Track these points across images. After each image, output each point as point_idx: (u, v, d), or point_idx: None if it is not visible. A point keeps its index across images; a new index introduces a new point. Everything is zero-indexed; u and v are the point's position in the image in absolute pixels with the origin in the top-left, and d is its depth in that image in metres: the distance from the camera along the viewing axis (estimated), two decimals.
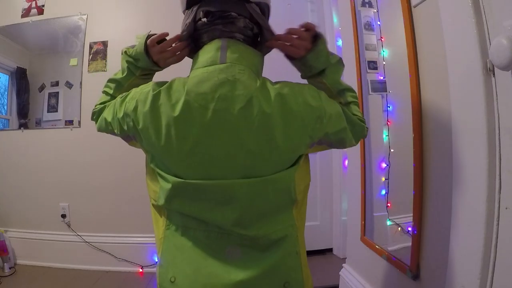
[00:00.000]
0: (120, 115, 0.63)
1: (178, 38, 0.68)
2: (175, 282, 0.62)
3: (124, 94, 0.67)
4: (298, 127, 0.58)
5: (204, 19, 0.64)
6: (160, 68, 0.72)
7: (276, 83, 0.61)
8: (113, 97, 0.73)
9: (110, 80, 0.75)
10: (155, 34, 0.69)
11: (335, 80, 0.70)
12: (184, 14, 0.70)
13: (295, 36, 0.66)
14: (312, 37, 0.66)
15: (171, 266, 0.64)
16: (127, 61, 0.71)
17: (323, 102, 0.61)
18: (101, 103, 0.75)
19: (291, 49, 0.65)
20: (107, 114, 0.70)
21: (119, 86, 0.73)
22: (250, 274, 0.59)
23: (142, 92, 0.61)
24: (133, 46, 0.71)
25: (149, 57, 0.68)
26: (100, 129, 0.75)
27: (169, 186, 0.60)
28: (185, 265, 0.62)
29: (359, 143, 0.86)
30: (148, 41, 0.68)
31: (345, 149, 0.78)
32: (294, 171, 0.61)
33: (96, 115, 0.75)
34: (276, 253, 0.61)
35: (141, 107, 0.59)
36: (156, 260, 0.70)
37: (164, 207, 0.63)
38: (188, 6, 0.67)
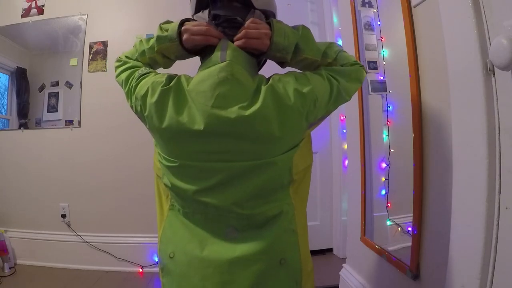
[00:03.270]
0: (133, 98, 0.67)
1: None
2: (174, 257, 0.65)
3: (143, 72, 0.68)
4: (294, 118, 0.60)
5: (212, 22, 0.68)
6: (180, 51, 0.69)
7: (268, 79, 0.63)
8: (136, 59, 0.74)
9: (141, 43, 0.74)
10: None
11: (313, 48, 0.69)
12: (192, 18, 0.73)
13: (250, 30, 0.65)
14: (264, 22, 0.66)
15: (171, 242, 0.67)
16: (157, 36, 0.69)
17: (312, 84, 0.62)
18: (126, 57, 0.76)
19: (255, 41, 0.64)
20: (125, 83, 0.71)
21: (143, 54, 0.73)
22: (247, 250, 0.61)
23: (155, 81, 0.63)
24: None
25: (179, 31, 0.66)
26: (117, 82, 0.75)
27: (170, 165, 0.63)
28: (185, 242, 0.65)
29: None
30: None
31: (346, 148, 0.78)
32: (294, 153, 0.63)
33: (118, 68, 0.75)
34: (272, 230, 0.63)
35: (149, 97, 0.62)
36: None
37: (167, 186, 0.66)
38: (197, 10, 0.72)
